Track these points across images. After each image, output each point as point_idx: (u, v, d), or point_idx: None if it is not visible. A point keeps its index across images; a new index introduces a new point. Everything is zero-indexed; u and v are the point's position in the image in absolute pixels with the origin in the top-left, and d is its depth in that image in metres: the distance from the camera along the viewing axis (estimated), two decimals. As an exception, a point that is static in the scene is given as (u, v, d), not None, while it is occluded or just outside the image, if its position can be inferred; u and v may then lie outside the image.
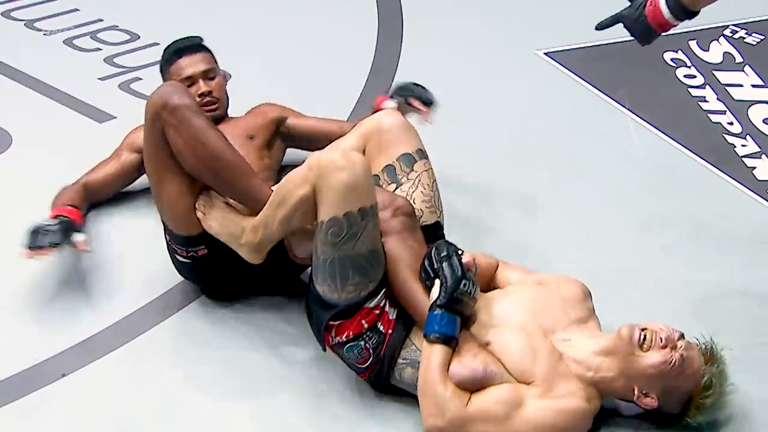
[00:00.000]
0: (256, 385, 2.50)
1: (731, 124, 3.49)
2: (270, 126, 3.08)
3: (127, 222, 3.05)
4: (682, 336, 2.25)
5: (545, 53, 3.87)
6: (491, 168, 3.24)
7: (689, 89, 3.69)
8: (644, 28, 2.55)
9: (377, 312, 2.37)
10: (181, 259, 2.65)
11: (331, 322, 2.37)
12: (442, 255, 2.30)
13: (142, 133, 2.66)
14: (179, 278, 2.78)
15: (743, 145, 3.38)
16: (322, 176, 2.29)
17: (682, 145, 3.38)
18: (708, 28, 3.99)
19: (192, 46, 3.08)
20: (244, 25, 4.10)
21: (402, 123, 2.72)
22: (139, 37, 3.97)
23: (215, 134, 2.50)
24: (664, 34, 2.53)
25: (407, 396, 2.37)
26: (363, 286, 2.34)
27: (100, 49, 3.91)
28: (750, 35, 3.94)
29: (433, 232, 2.61)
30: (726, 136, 3.43)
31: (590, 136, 3.46)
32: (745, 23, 4.00)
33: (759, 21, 3.89)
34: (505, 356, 2.28)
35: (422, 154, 2.69)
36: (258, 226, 2.44)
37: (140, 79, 3.72)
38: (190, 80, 2.98)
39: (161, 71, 3.08)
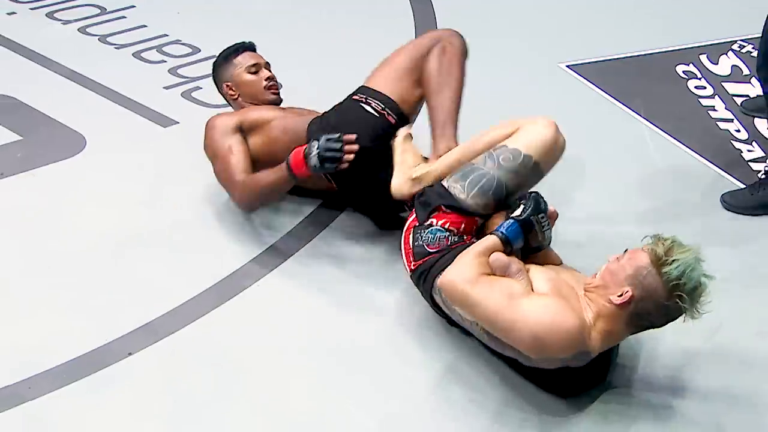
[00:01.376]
0: (308, 367, 2.48)
1: (738, 131, 3.45)
2: None
3: (179, 214, 3.05)
4: None
5: (567, 66, 3.84)
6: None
7: (700, 99, 3.65)
8: None
9: (475, 227, 2.52)
10: None
11: (443, 208, 2.52)
12: (533, 194, 2.46)
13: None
14: (234, 267, 2.80)
15: (749, 150, 3.34)
16: (535, 123, 2.54)
17: (693, 151, 3.35)
18: (717, 43, 3.97)
19: (251, 44, 3.22)
20: (293, 40, 4.09)
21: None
22: (200, 51, 3.98)
23: None
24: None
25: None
26: (485, 206, 2.51)
27: (165, 61, 3.93)
28: (756, 49, 3.88)
29: None
30: (733, 142, 3.39)
31: (609, 142, 3.43)
32: (752, 38, 3.94)
33: (765, 36, 3.83)
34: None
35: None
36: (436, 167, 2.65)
37: (200, 88, 3.72)
38: (256, 67, 3.11)
39: (220, 69, 3.17)
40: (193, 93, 3.70)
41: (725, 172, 3.24)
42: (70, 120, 3.49)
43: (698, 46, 3.96)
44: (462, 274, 2.31)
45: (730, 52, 3.90)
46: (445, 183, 2.57)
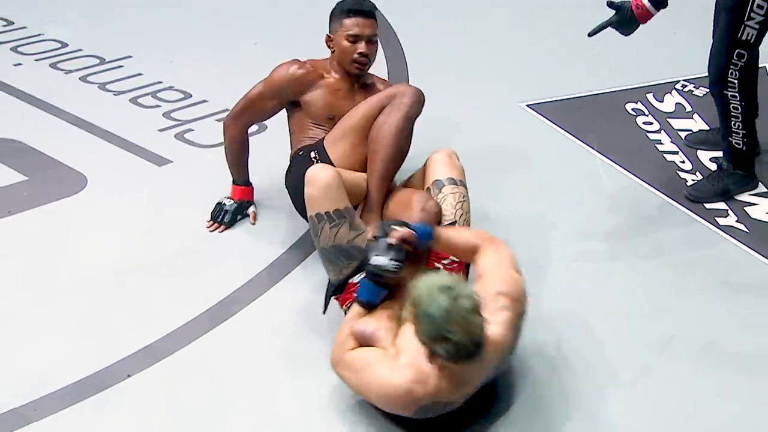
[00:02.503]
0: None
1: (683, 162, 3.47)
2: None
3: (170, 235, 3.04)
4: None
5: (527, 105, 3.85)
6: (479, 199, 3.23)
7: (647, 134, 3.67)
8: (632, 22, 2.89)
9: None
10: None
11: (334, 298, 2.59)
12: (374, 235, 2.38)
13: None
14: (225, 293, 2.79)
15: (693, 180, 3.34)
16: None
17: (643, 180, 3.36)
18: (662, 83, 4.00)
19: (368, 11, 2.92)
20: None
21: (444, 157, 2.80)
22: (191, 96, 3.98)
23: None
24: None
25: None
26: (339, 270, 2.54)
27: (159, 106, 3.92)
28: (697, 88, 3.93)
29: None
30: (679, 173, 3.40)
31: (566, 173, 3.44)
32: (693, 78, 3.99)
33: (704, 77, 3.86)
34: (402, 329, 2.24)
35: (452, 181, 2.74)
36: None
37: (192, 130, 3.72)
38: (355, 38, 2.87)
39: (332, 17, 2.94)
40: (185, 134, 3.70)
41: (671, 199, 3.25)
42: (73, 161, 3.48)
43: (645, 86, 4.00)
44: (333, 355, 2.34)
45: (674, 91, 3.94)
46: None
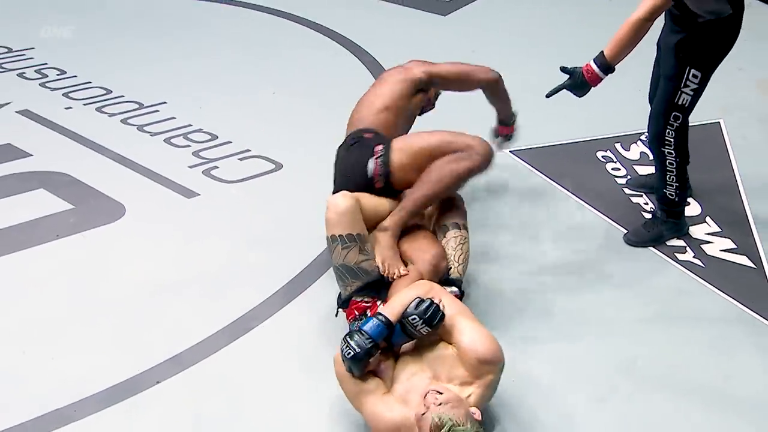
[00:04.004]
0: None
1: (646, 203, 3.47)
2: None
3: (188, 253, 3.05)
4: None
5: (510, 151, 3.85)
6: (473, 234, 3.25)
7: (615, 178, 3.68)
8: (583, 85, 2.90)
9: (366, 305, 2.53)
10: None
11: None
12: (424, 298, 2.29)
13: None
14: (244, 311, 2.80)
15: None
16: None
17: (611, 219, 3.37)
18: (629, 134, 4.01)
19: None
20: (294, 128, 4.13)
21: (450, 203, 2.82)
22: (217, 137, 4.00)
23: None
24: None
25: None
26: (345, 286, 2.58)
27: (189, 146, 3.94)
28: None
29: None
30: (642, 213, 3.41)
31: (543, 212, 3.44)
32: (656, 131, 4.00)
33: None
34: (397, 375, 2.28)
35: (456, 225, 2.77)
36: None
37: (218, 167, 3.74)
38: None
39: None
40: (212, 171, 3.72)
41: None
42: (113, 192, 3.50)
43: (614, 136, 4.00)
44: (337, 357, 2.30)
45: (639, 141, 3.94)
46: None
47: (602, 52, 2.85)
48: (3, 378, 2.51)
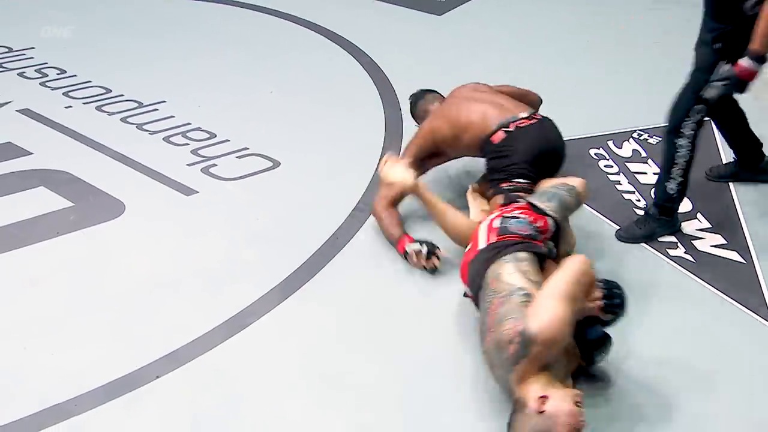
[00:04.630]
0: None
1: (639, 200, 3.48)
2: None
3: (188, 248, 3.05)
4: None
5: None
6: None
7: (608, 176, 3.68)
8: (742, 84, 2.85)
9: (547, 233, 2.67)
10: None
11: (529, 205, 2.77)
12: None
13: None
14: (241, 307, 2.80)
15: None
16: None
17: (604, 216, 3.37)
18: (621, 132, 4.01)
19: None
20: (291, 127, 4.13)
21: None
22: (216, 136, 4.01)
23: None
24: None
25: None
26: (554, 209, 2.75)
27: (188, 144, 3.95)
28: (651, 137, 3.96)
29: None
30: (635, 210, 3.41)
31: None
32: (648, 128, 4.01)
33: (657, 127, 3.92)
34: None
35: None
36: None
37: (216, 165, 3.74)
38: None
39: None
40: (210, 169, 3.72)
41: None
42: (113, 190, 3.50)
43: (606, 134, 4.01)
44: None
45: (631, 139, 3.95)
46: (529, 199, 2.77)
47: (749, 49, 2.77)
48: (4, 373, 2.52)
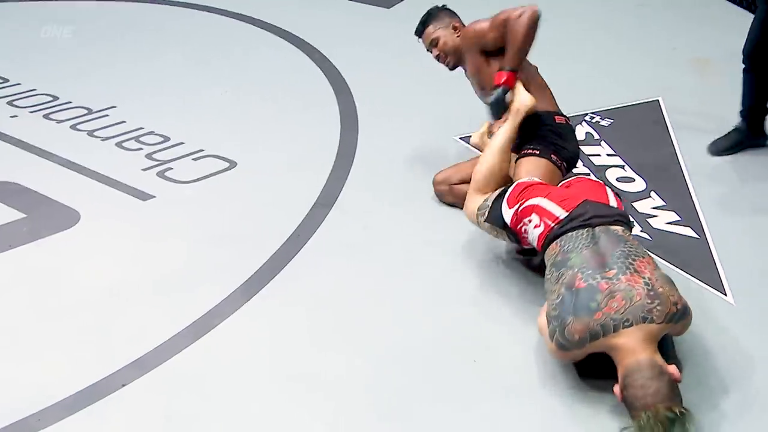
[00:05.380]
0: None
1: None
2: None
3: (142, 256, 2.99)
4: None
5: (459, 137, 3.87)
6: (416, 214, 3.24)
7: None
8: None
9: None
10: None
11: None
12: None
13: None
14: (207, 308, 2.75)
15: None
16: None
17: None
18: (574, 116, 4.01)
19: (418, 31, 3.29)
20: (246, 126, 4.08)
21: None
22: (170, 139, 3.93)
23: None
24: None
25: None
26: None
27: (141, 149, 3.86)
28: (603, 120, 4.00)
29: None
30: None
31: None
32: (599, 111, 4.06)
33: (609, 109, 3.96)
34: None
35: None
36: None
37: (172, 168, 3.67)
38: (429, 51, 3.28)
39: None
40: (166, 173, 3.65)
41: None
42: (66, 199, 3.41)
43: (559, 119, 4.04)
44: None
45: (584, 122, 3.98)
46: None
47: None
48: (-37, 392, 2.43)
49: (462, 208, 2.97)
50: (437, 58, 3.25)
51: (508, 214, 2.63)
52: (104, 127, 4.06)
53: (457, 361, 2.51)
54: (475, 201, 2.81)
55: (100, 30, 5.39)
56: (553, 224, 2.49)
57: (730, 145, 3.59)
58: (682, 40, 4.53)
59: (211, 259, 3.04)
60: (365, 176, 3.55)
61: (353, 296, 2.83)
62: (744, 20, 4.32)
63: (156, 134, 3.98)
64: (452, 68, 3.32)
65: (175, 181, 3.58)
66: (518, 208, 2.60)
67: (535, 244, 2.57)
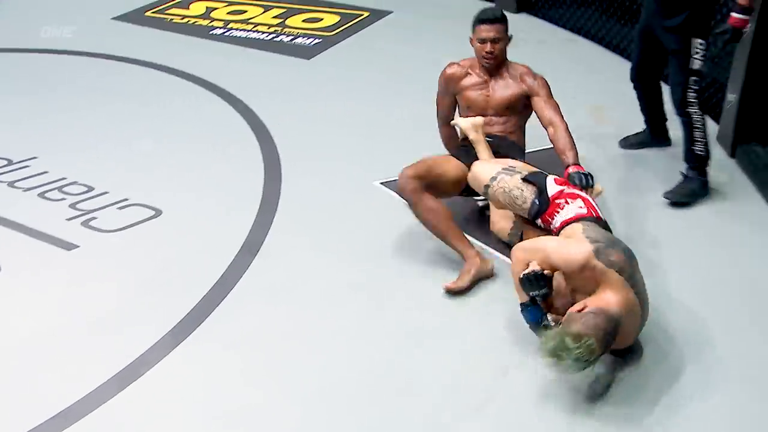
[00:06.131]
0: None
1: (511, 227, 3.58)
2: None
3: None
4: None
5: (380, 182, 3.91)
6: (339, 257, 3.31)
7: (479, 202, 3.64)
8: (738, 34, 3.31)
9: None
10: None
11: None
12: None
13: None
14: (134, 356, 2.73)
15: (517, 238, 3.47)
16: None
17: (478, 239, 3.37)
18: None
19: (493, 18, 3.30)
20: (171, 174, 4.07)
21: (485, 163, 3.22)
22: (94, 189, 3.89)
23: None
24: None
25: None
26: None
27: (65, 199, 3.81)
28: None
29: None
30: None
31: (413, 235, 3.50)
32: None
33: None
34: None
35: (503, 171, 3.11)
36: None
37: (96, 218, 3.64)
38: (483, 40, 3.28)
39: (472, 25, 3.34)
40: (90, 222, 3.62)
41: (500, 253, 3.30)
42: (-13, 251, 3.34)
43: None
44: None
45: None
46: None
47: (737, 2, 3.25)
48: None
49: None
50: (489, 52, 3.29)
51: (553, 187, 2.95)
52: (25, 178, 4.00)
53: (381, 397, 2.57)
54: (493, 164, 3.16)
55: (20, 82, 5.31)
56: (587, 214, 2.85)
57: (636, 142, 4.04)
58: (581, 89, 4.75)
59: (137, 307, 3.03)
60: (289, 221, 3.60)
61: (280, 337, 2.87)
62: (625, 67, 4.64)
63: (80, 184, 3.94)
64: (486, 73, 3.38)
65: (101, 231, 3.55)
66: (564, 190, 2.94)
67: (563, 219, 2.86)
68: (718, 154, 3.90)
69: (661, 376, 2.61)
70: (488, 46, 3.27)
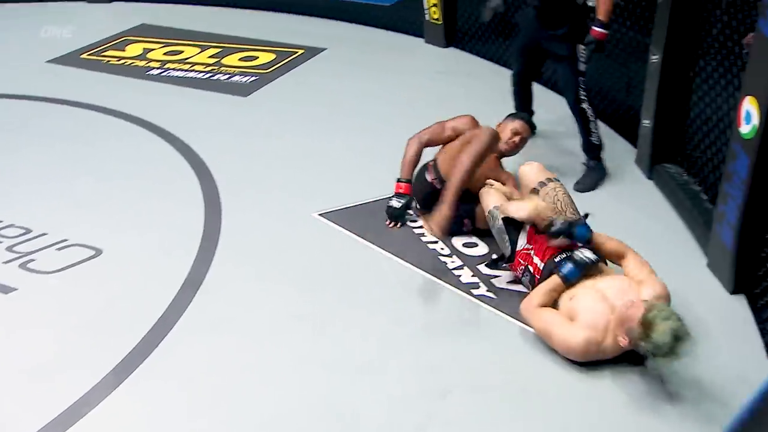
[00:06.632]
0: None
1: (443, 249, 3.67)
2: None
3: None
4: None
5: (319, 213, 3.96)
6: (281, 289, 3.33)
7: (413, 229, 3.84)
8: (602, 45, 3.87)
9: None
10: None
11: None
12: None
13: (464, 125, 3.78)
14: (75, 398, 2.68)
15: (452, 262, 3.57)
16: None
17: (413, 265, 3.54)
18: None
19: (530, 123, 3.97)
20: (110, 214, 4.03)
21: (536, 167, 3.47)
22: (31, 231, 3.84)
23: None
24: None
25: None
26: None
27: (1, 242, 3.75)
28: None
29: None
30: (440, 257, 3.60)
31: (346, 266, 3.53)
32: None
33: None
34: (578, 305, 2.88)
35: (551, 180, 3.38)
36: None
37: (35, 260, 3.59)
38: (514, 132, 3.84)
39: (511, 115, 3.98)
40: (28, 264, 3.57)
41: (435, 277, 3.44)
42: None
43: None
44: (528, 302, 3.02)
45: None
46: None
47: (597, 18, 3.79)
48: None
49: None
50: (517, 144, 3.86)
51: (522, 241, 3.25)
52: (-41, 223, 3.91)
53: (329, 425, 2.59)
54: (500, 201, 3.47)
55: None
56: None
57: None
58: (504, 114, 4.90)
59: (79, 348, 3.00)
60: (230, 254, 3.61)
61: (224, 370, 2.87)
62: (546, 95, 4.84)
63: (16, 226, 3.88)
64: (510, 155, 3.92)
65: (39, 272, 3.50)
66: (529, 247, 3.22)
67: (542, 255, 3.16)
68: (637, 176, 4.08)
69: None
70: (518, 140, 3.85)
